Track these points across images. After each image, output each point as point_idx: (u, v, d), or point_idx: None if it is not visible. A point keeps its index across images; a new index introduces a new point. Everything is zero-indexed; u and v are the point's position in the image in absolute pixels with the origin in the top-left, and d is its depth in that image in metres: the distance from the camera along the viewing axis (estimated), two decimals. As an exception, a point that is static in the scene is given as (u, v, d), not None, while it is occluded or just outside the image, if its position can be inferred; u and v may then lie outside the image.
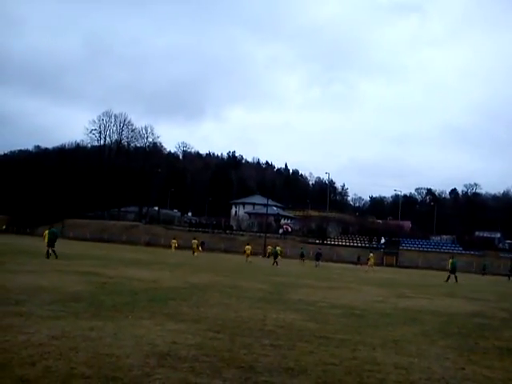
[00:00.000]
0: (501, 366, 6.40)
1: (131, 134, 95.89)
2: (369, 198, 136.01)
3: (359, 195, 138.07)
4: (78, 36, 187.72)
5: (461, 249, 65.18)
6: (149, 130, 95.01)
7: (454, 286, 25.97)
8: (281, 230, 75.57)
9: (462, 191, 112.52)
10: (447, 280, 28.81)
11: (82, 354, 5.36)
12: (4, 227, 77.52)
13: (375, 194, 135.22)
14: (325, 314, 10.47)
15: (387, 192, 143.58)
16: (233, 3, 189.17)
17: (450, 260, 31.00)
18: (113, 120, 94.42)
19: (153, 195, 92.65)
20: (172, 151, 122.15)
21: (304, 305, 11.81)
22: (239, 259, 37.82)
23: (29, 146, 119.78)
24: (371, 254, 42.66)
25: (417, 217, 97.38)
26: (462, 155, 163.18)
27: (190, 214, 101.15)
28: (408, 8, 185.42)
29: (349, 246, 68.35)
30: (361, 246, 65.71)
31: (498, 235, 76.61)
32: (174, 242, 48.28)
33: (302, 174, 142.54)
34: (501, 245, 70.60)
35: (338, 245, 68.76)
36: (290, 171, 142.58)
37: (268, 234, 66.92)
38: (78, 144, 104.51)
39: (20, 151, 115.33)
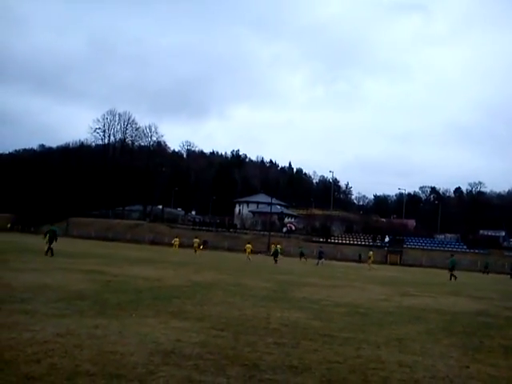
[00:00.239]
0: (506, 365, 6.38)
1: (135, 132, 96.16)
2: (373, 197, 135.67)
3: (363, 194, 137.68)
4: (81, 35, 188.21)
5: (465, 247, 64.96)
6: (153, 129, 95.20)
7: (457, 284, 25.90)
8: (285, 229, 75.51)
9: (467, 190, 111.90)
10: (450, 279, 28.93)
11: (87, 352, 5.39)
12: (9, 226, 77.84)
13: (379, 193, 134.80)
14: (329, 312, 10.47)
15: (391, 190, 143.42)
16: (237, 2, 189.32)
17: (454, 259, 31.16)
18: (117, 119, 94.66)
19: (157, 194, 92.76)
20: (176, 150, 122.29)
21: (308, 303, 11.81)
22: (243, 258, 37.84)
23: (33, 144, 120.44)
24: (371, 252, 42.56)
25: (421, 215, 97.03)
26: (466, 153, 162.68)
27: (193, 212, 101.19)
28: (411, 7, 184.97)
29: (353, 244, 68.24)
30: (365, 245, 65.56)
31: (503, 234, 76.17)
32: (176, 241, 48.68)
33: (305, 173, 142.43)
34: (505, 243, 70.23)
35: (342, 243, 68.65)
36: (294, 170, 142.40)
37: (272, 233, 66.89)
38: (82, 143, 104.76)
39: (24, 150, 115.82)
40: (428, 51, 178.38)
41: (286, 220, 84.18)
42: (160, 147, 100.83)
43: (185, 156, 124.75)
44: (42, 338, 5.88)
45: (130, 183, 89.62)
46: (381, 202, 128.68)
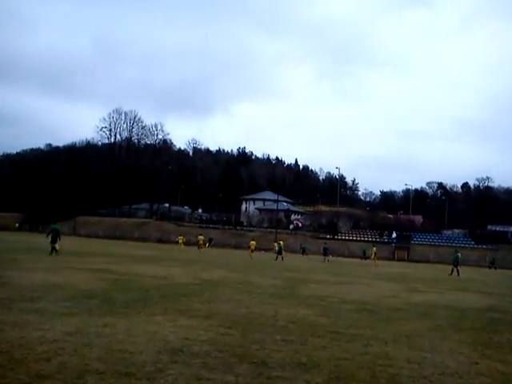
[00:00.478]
0: (515, 361, 6.35)
1: (141, 131, 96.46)
2: (379, 193, 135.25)
3: (370, 190, 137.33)
4: (87, 35, 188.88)
5: (473, 243, 64.58)
6: (159, 127, 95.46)
7: (465, 280, 25.79)
8: (291, 226, 75.46)
9: (474, 185, 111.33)
10: (451, 273, 29.05)
11: (96, 350, 5.42)
12: (17, 225, 78.42)
13: (386, 189, 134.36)
14: (336, 309, 10.47)
15: (398, 186, 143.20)
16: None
17: (459, 254, 31.08)
18: (123, 117, 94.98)
19: (163, 192, 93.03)
20: (182, 148, 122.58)
21: (315, 300, 11.80)
22: (248, 255, 37.86)
23: (40, 144, 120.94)
24: (374, 248, 42.43)
25: (428, 211, 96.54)
26: (473, 149, 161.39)
27: (200, 210, 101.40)
28: (416, 1, 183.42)
29: (360, 240, 68.08)
30: (372, 241, 65.32)
31: (511, 229, 75.69)
32: (181, 239, 49.55)
33: (312, 170, 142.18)
34: (514, 238, 69.74)
35: (349, 239, 68.52)
36: (300, 167, 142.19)
37: (278, 230, 66.91)
38: (88, 142, 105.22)
39: (32, 150, 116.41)
40: (434, 46, 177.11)
41: (293, 217, 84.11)
42: (166, 145, 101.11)
43: (191, 154, 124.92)
44: (52, 337, 5.92)
45: (137, 181, 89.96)
46: (388, 198, 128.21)
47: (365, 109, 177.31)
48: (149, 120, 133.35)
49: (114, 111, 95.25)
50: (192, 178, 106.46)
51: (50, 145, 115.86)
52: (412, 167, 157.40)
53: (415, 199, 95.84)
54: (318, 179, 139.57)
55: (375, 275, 25.17)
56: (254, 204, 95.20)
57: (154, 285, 12.80)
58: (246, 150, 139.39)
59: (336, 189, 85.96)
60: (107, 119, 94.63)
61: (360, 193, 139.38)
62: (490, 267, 50.19)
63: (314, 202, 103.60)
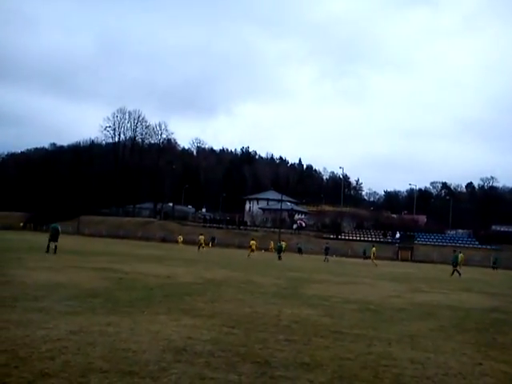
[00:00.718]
0: (519, 362, 6.33)
1: (145, 130, 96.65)
2: (383, 193, 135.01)
3: (374, 190, 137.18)
4: (91, 35, 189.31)
5: (477, 243, 64.35)
6: (163, 127, 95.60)
7: (469, 280, 25.72)
8: (295, 226, 75.39)
9: (479, 185, 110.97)
10: (459, 274, 28.86)
11: (100, 349, 5.44)
12: (22, 224, 78.75)
13: (390, 189, 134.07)
14: (340, 309, 10.46)
15: (402, 186, 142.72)
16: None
17: (459, 254, 30.91)
18: (127, 117, 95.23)
19: (167, 191, 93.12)
20: (186, 147, 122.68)
21: (318, 300, 11.80)
22: (253, 255, 37.87)
23: (44, 143, 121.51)
24: (373, 248, 42.34)
25: (432, 211, 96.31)
26: (477, 149, 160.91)
27: (204, 209, 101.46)
28: (419, 0, 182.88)
29: (363, 240, 67.96)
30: (375, 241, 65.22)
31: (516, 229, 75.32)
32: (180, 238, 51.43)
33: (315, 169, 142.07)
34: (518, 239, 69.37)
35: (353, 239, 68.45)
36: (304, 166, 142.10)
37: (282, 230, 66.88)
38: (92, 141, 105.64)
39: (36, 149, 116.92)
40: (436, 46, 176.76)
41: (297, 217, 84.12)
42: (170, 145, 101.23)
43: (195, 153, 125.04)
44: (56, 336, 5.95)
45: (141, 181, 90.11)
46: (391, 197, 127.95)
47: (368, 108, 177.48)
48: (152, 120, 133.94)
49: (118, 111, 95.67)
50: (196, 178, 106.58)
51: (54, 144, 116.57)
52: (416, 167, 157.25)
53: (419, 199, 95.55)
54: (322, 179, 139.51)
55: (378, 275, 25.12)
56: (258, 204, 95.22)
57: (158, 284, 12.83)
58: (250, 150, 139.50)
59: (340, 189, 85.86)
60: (111, 119, 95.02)
61: (364, 193, 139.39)
62: (493, 268, 49.98)
63: (317, 202, 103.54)
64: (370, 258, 42.83)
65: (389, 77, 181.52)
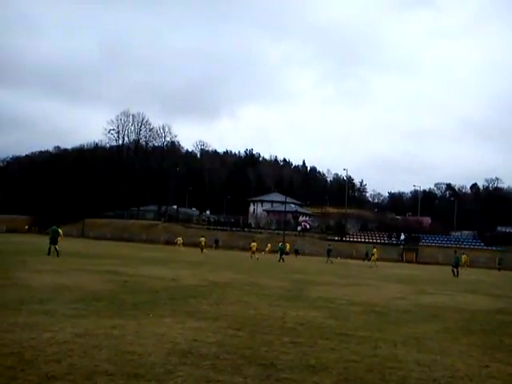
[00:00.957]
0: (526, 364, 6.28)
1: (149, 133, 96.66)
2: (387, 194, 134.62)
3: (378, 191, 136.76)
4: (94, 38, 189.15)
5: (482, 244, 64.08)
6: (166, 130, 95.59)
7: (474, 282, 25.61)
8: (299, 228, 75.24)
9: (483, 186, 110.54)
10: (457, 275, 29.04)
11: (105, 352, 5.45)
12: (26, 227, 79.04)
13: (394, 190, 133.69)
14: (345, 311, 10.43)
15: (406, 188, 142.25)
16: (246, 2, 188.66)
17: (463, 256, 30.98)
18: (131, 120, 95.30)
19: (171, 194, 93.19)
20: (189, 150, 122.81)
21: (323, 302, 11.78)
22: (254, 257, 37.84)
23: (48, 146, 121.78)
24: (374, 249, 42.18)
25: (436, 212, 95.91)
26: (481, 150, 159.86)
27: (208, 212, 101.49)
28: (420, 2, 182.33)
29: (368, 242, 67.71)
30: (380, 243, 65.04)
31: (521, 230, 74.94)
32: (179, 240, 50.85)
33: (319, 171, 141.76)
34: (524, 240, 68.99)
35: (357, 241, 68.28)
36: (308, 168, 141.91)
37: (286, 232, 66.76)
38: (96, 144, 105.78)
39: (40, 152, 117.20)
40: (439, 47, 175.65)
41: (301, 219, 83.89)
42: (174, 147, 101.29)
43: (198, 156, 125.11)
44: (62, 339, 5.97)
45: (145, 184, 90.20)
46: (396, 199, 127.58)
47: (371, 110, 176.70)
48: (156, 122, 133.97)
49: (121, 114, 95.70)
50: (200, 180, 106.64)
51: (58, 147, 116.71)
52: (420, 168, 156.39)
53: (423, 200, 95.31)
54: (326, 181, 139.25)
55: (383, 277, 25.05)
56: (262, 205, 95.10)
57: (163, 287, 12.84)
58: (254, 152, 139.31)
59: (344, 190, 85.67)
60: (115, 121, 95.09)
61: (368, 194, 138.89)
62: (499, 269, 49.75)
63: (321, 204, 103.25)
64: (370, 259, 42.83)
65: (391, 78, 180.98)
